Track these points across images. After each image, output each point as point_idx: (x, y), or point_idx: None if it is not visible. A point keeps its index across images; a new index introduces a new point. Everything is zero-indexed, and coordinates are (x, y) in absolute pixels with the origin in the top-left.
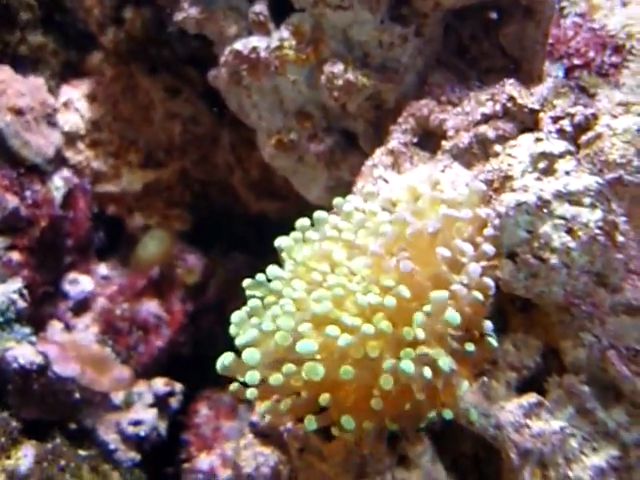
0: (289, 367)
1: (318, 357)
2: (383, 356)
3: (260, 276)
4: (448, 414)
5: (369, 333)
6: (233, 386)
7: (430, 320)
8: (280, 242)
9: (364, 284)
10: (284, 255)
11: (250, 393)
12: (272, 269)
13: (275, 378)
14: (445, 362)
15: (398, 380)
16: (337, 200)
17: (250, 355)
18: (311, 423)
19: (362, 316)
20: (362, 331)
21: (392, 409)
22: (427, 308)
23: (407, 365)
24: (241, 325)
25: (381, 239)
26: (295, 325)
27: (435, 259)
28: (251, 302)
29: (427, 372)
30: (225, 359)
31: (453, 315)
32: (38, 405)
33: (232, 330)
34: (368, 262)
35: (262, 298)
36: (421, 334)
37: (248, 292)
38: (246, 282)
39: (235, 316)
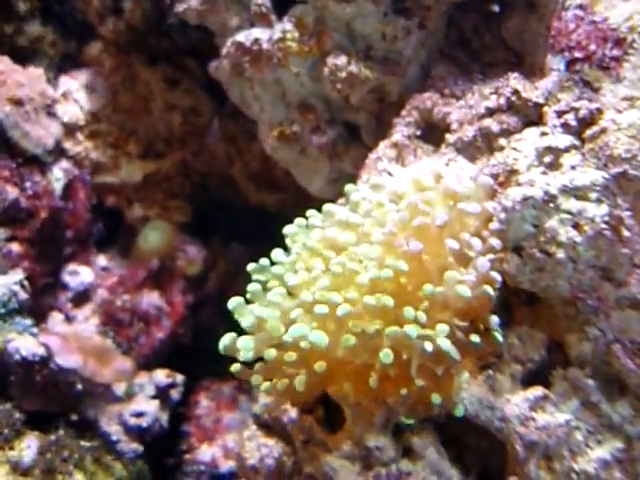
0: (289, 355)
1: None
2: (382, 337)
3: (264, 260)
4: (436, 399)
5: (371, 303)
6: (235, 367)
7: (439, 297)
8: (287, 229)
9: (371, 264)
10: (288, 240)
11: (255, 379)
12: (276, 252)
13: (269, 353)
14: (445, 342)
15: (398, 356)
16: (348, 187)
17: (244, 343)
18: (301, 383)
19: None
20: (364, 301)
21: (391, 392)
22: (438, 289)
23: (411, 330)
24: (239, 310)
25: (392, 223)
26: (287, 311)
27: (443, 252)
28: (251, 287)
29: (428, 346)
30: (226, 339)
31: (464, 289)
32: (40, 396)
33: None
34: (379, 240)
35: (265, 282)
36: (423, 317)
37: (252, 277)
38: (250, 266)
39: (232, 302)
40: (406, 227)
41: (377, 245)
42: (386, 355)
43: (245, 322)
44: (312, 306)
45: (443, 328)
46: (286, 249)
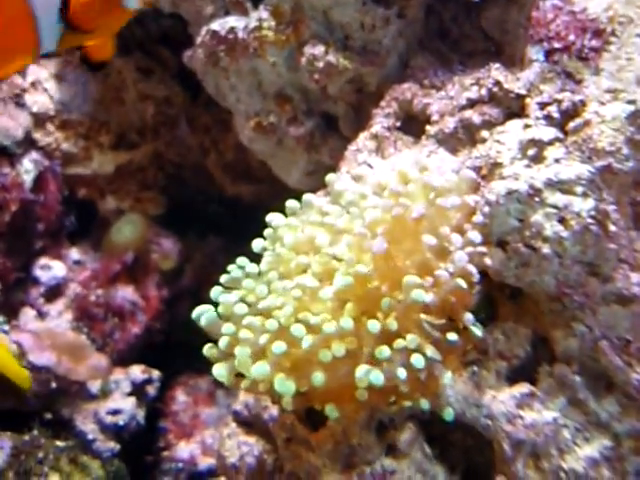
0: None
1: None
2: (358, 352)
3: (236, 272)
4: (425, 404)
5: (330, 333)
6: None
7: (399, 305)
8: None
9: (339, 272)
10: (267, 242)
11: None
12: (256, 243)
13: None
14: (419, 359)
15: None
16: (330, 176)
17: (219, 371)
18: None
19: (331, 311)
20: (323, 330)
21: (377, 400)
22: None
23: (376, 376)
24: (211, 327)
25: (366, 219)
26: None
27: (421, 247)
28: (224, 299)
29: (401, 373)
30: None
31: (418, 293)
32: (13, 396)
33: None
34: (350, 243)
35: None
36: (393, 325)
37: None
38: (223, 278)
39: (204, 319)
40: (382, 221)
41: (348, 248)
42: (362, 388)
43: (221, 344)
44: (279, 335)
45: (412, 338)
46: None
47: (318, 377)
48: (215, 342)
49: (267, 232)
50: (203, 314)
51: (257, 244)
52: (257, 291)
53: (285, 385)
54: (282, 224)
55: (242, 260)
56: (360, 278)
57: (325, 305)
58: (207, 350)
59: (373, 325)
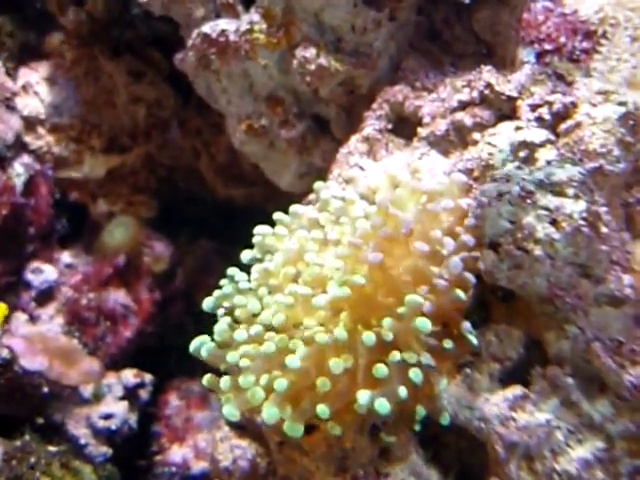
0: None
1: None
2: (353, 367)
3: (227, 288)
4: (421, 411)
5: (323, 342)
6: (206, 379)
7: (402, 323)
8: (258, 233)
9: (332, 280)
10: (258, 250)
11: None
12: (245, 254)
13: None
14: (417, 374)
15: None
16: (318, 184)
17: (229, 411)
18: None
19: (325, 319)
20: (316, 340)
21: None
22: (400, 311)
23: (382, 405)
24: (209, 354)
25: (358, 233)
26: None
27: (414, 252)
28: (218, 327)
29: (402, 392)
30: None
31: (423, 322)
32: (5, 401)
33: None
34: (344, 255)
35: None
36: (389, 336)
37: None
38: (211, 299)
39: (193, 346)
40: (374, 235)
41: (341, 259)
42: (364, 400)
43: (223, 385)
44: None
45: (410, 356)
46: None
47: (324, 410)
48: (214, 371)
49: (256, 241)
50: (202, 346)
51: (246, 255)
52: (249, 307)
53: (294, 428)
54: (270, 233)
55: (233, 270)
56: (356, 288)
57: (318, 314)
58: (206, 381)
59: (369, 338)
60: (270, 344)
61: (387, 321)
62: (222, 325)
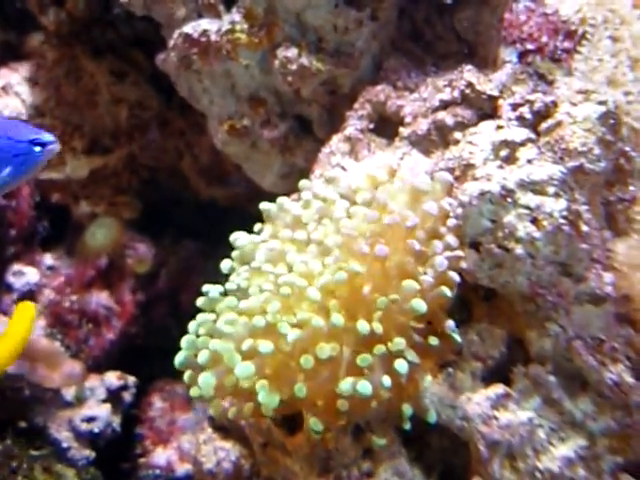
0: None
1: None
2: (337, 357)
3: (214, 291)
4: (408, 410)
5: (318, 325)
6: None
7: (394, 307)
8: (236, 239)
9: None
10: (237, 260)
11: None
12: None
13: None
14: (402, 365)
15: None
16: (303, 182)
17: (205, 381)
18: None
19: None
20: (312, 324)
21: (359, 407)
22: (393, 297)
23: (364, 386)
24: (191, 346)
25: (354, 222)
26: (241, 339)
27: (401, 249)
28: (201, 317)
29: (386, 381)
30: (181, 356)
31: (419, 303)
32: None
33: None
34: (338, 243)
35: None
36: (379, 328)
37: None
38: (199, 301)
39: (183, 341)
40: (366, 229)
41: (336, 248)
42: (343, 403)
43: (201, 358)
44: (263, 332)
45: (399, 342)
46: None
47: (301, 389)
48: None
49: (234, 254)
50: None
51: (225, 265)
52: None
53: (269, 398)
54: (248, 242)
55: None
56: (351, 276)
57: (309, 307)
58: (187, 377)
59: (363, 326)
60: (260, 318)
61: (382, 300)
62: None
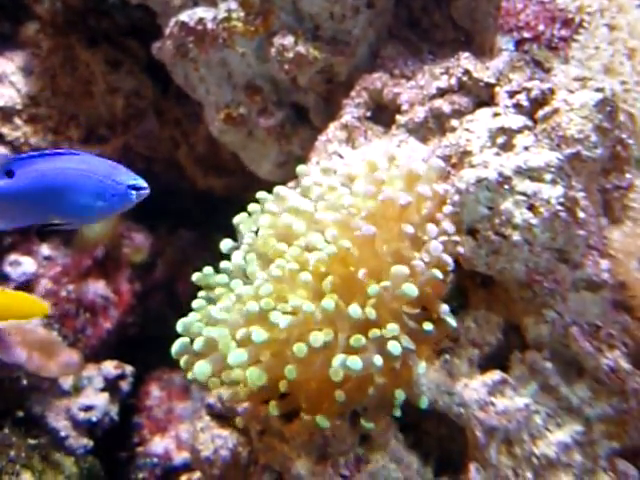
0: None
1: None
2: (332, 343)
3: (208, 269)
4: (400, 395)
5: (310, 311)
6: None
7: (386, 293)
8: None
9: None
10: (241, 227)
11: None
12: (225, 243)
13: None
14: (396, 346)
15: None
16: (300, 168)
17: (200, 369)
18: (274, 409)
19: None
20: (303, 309)
21: (356, 395)
22: (384, 284)
23: (354, 362)
24: (188, 330)
25: (352, 199)
26: (235, 325)
27: (397, 235)
28: (196, 303)
29: (377, 360)
30: (177, 345)
31: (410, 287)
32: None
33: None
34: (336, 220)
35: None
36: (372, 314)
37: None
38: (195, 276)
39: (179, 324)
40: (364, 206)
41: (333, 226)
42: (336, 374)
43: (196, 346)
44: (257, 319)
45: (393, 327)
46: (235, 238)
47: (291, 371)
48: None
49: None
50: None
51: (226, 244)
52: (232, 285)
53: (257, 375)
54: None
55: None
56: (342, 252)
57: (302, 292)
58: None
59: (355, 310)
60: (253, 304)
61: (373, 287)
62: (200, 302)
